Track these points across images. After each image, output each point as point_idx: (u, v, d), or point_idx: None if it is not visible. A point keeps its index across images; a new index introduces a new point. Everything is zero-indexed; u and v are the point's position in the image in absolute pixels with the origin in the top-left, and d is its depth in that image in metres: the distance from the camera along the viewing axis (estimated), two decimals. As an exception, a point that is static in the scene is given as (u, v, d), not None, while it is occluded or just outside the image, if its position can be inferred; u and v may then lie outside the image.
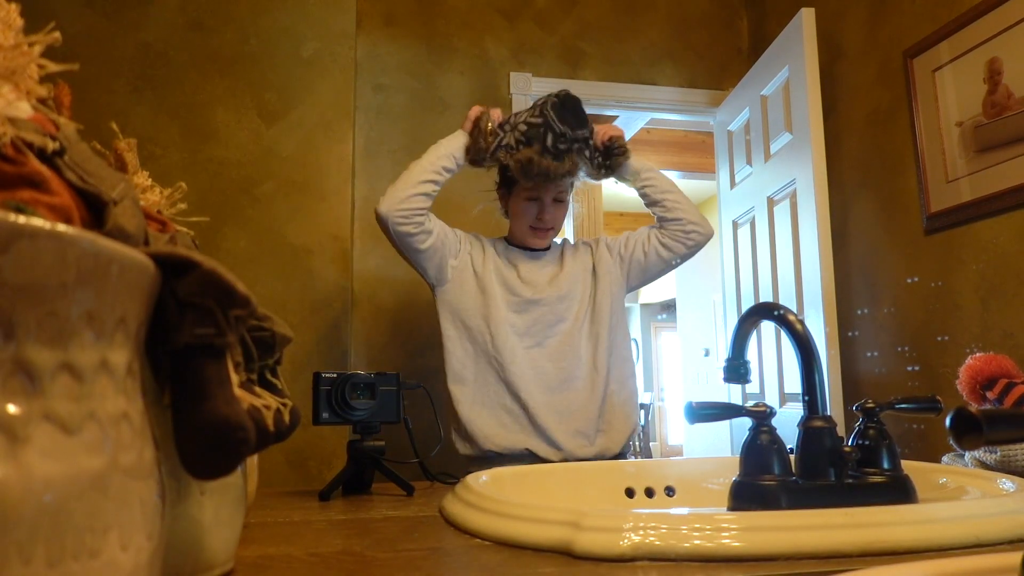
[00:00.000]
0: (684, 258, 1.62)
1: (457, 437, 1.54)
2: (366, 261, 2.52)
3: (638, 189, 1.63)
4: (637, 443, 8.28)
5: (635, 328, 11.21)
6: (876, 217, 2.31)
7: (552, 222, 1.58)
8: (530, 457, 1.49)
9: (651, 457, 8.91)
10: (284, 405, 0.48)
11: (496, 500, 0.70)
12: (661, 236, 1.61)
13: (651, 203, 1.62)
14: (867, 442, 0.80)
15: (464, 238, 1.61)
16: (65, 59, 0.37)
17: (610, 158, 1.55)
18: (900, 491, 0.76)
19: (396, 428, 1.16)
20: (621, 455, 1.58)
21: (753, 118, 2.70)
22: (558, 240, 1.70)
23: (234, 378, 0.45)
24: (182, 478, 0.46)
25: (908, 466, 0.84)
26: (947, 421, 0.39)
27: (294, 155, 2.17)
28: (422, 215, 1.49)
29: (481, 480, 0.83)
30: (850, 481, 0.76)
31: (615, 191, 6.12)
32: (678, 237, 1.60)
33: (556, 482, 0.98)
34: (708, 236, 1.62)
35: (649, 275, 1.65)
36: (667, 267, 1.63)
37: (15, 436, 0.25)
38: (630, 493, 0.98)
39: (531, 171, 1.45)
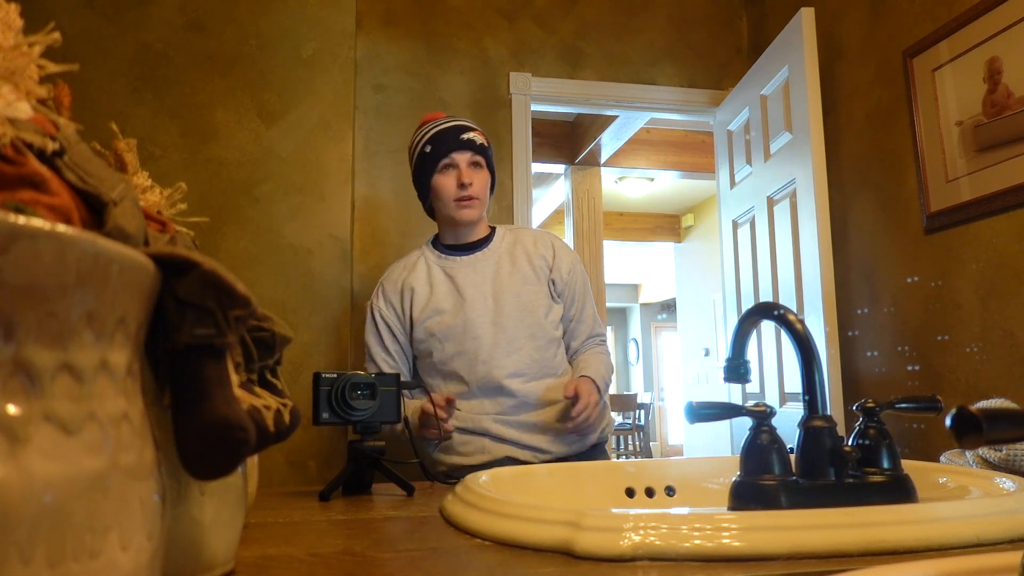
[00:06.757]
0: None
1: (440, 453, 1.52)
2: (366, 261, 2.52)
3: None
4: (637, 443, 8.28)
5: (635, 328, 11.21)
6: (876, 217, 2.31)
7: (475, 189, 1.50)
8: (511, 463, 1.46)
9: (651, 457, 8.90)
10: (284, 405, 0.48)
11: (496, 500, 0.70)
12: (566, 337, 1.61)
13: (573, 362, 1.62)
14: (867, 442, 0.80)
15: (386, 306, 1.56)
16: (65, 59, 0.37)
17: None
18: (900, 491, 0.76)
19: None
20: (596, 452, 1.57)
21: (753, 118, 2.70)
22: (500, 233, 1.61)
23: (234, 378, 0.45)
24: (182, 478, 0.46)
25: (908, 465, 0.84)
26: (947, 421, 0.39)
27: (294, 155, 2.17)
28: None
29: (481, 480, 0.83)
30: (850, 481, 0.76)
31: (615, 190, 6.11)
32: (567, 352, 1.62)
33: (556, 482, 0.98)
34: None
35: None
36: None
37: (15, 436, 0.25)
38: (630, 493, 0.98)
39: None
